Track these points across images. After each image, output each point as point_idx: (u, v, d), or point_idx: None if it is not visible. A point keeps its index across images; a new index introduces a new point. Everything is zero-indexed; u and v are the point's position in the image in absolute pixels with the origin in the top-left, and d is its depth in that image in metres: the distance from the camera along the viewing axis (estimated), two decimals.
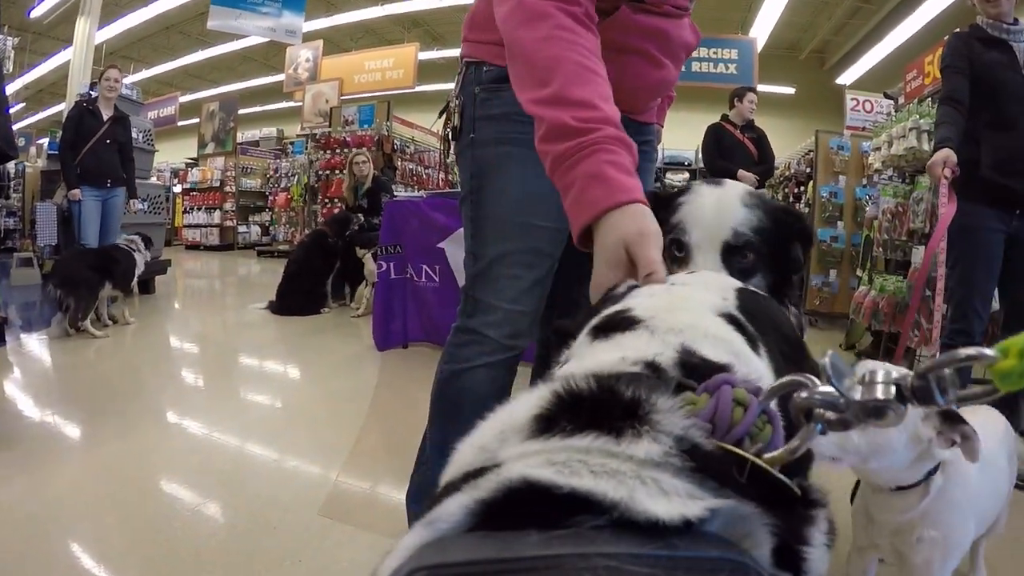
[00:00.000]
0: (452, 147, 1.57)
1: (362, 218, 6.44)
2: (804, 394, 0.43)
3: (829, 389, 0.42)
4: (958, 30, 2.83)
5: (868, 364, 0.50)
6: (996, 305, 2.93)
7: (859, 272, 5.44)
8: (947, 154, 2.48)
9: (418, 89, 12.86)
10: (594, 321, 0.67)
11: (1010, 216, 2.61)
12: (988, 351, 0.38)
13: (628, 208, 0.88)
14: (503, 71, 1.26)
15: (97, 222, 5.25)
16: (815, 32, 13.66)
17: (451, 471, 0.42)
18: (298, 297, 5.89)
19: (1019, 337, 0.38)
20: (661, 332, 0.59)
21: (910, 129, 4.27)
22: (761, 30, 11.97)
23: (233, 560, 1.80)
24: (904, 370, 0.43)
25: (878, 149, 4.92)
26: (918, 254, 4.17)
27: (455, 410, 1.55)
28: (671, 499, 0.33)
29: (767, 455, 0.41)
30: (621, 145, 0.94)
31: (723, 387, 0.43)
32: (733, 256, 1.03)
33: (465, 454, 0.43)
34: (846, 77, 13.58)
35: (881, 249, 4.81)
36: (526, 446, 0.40)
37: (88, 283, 4.54)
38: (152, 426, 2.90)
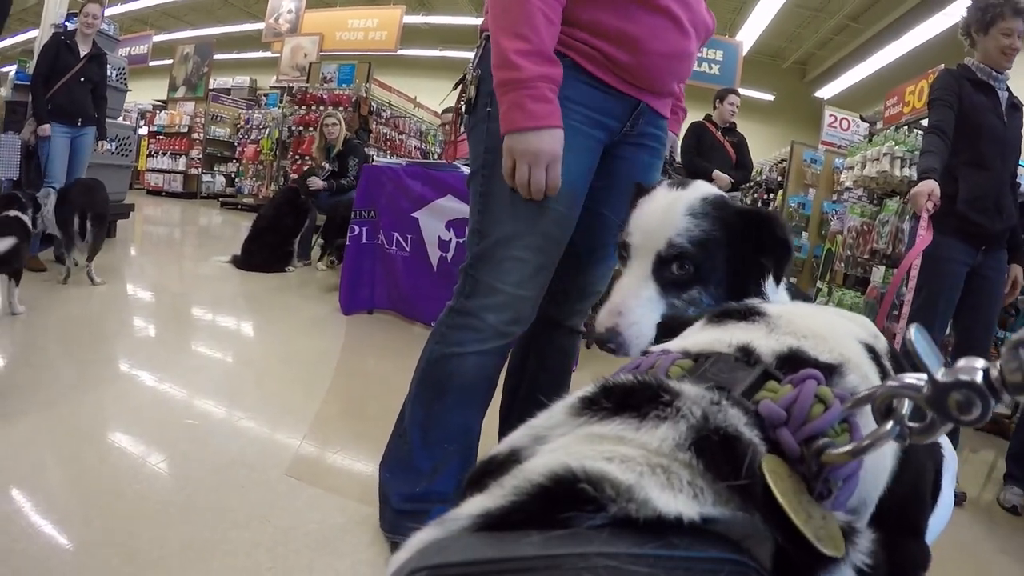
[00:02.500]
0: (464, 120, 1.55)
1: (327, 167, 6.39)
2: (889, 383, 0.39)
3: (915, 378, 0.38)
4: (947, 66, 2.92)
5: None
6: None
7: (819, 283, 5.59)
8: (932, 187, 2.54)
9: (400, 53, 12.67)
10: (715, 310, 0.63)
11: (976, 251, 2.72)
12: None
13: (530, 133, 1.28)
14: None
15: (65, 160, 5.03)
16: (800, 43, 13.86)
17: (500, 447, 0.43)
18: (264, 253, 5.79)
19: None
20: (781, 331, 0.54)
21: (884, 154, 4.39)
22: (748, 34, 12.09)
23: (199, 519, 1.76)
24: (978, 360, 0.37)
25: (851, 168, 5.04)
26: (878, 273, 4.30)
27: (439, 392, 1.57)
28: (675, 495, 0.34)
29: (829, 451, 0.39)
30: (547, 81, 1.29)
31: (808, 380, 0.42)
32: (664, 266, 1.01)
33: (519, 433, 0.43)
34: (825, 91, 13.85)
35: (842, 264, 4.95)
36: (560, 430, 0.41)
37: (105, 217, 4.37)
38: (111, 379, 2.81)
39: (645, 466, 0.35)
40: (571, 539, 0.31)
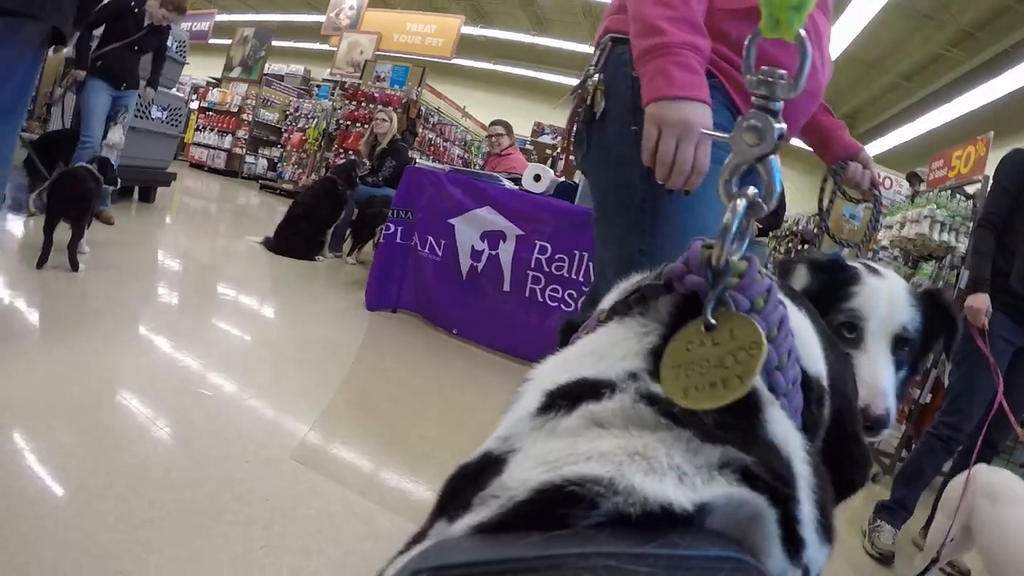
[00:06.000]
0: (578, 132, 1.44)
1: (367, 163, 6.47)
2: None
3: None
4: (1019, 148, 2.86)
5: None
6: None
7: None
8: (986, 301, 2.56)
9: (454, 61, 12.81)
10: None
11: None
12: None
13: (680, 102, 1.12)
14: None
15: (103, 118, 5.03)
16: (851, 97, 13.76)
17: (472, 457, 0.43)
18: (296, 240, 5.86)
19: None
20: None
21: (925, 216, 4.34)
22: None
23: (202, 486, 1.79)
24: None
25: (890, 227, 4.99)
26: None
27: None
28: (661, 479, 0.34)
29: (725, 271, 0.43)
30: (693, 49, 1.15)
31: (694, 242, 0.46)
32: (898, 348, 1.11)
33: (488, 442, 0.43)
34: (871, 148, 13.70)
35: None
36: (527, 435, 0.41)
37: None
38: (131, 339, 2.86)
39: (623, 455, 0.35)
40: (571, 539, 0.31)
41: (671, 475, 0.34)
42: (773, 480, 0.35)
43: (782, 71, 0.50)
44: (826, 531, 0.39)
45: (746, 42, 0.53)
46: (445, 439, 2.62)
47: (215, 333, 3.35)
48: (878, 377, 1.07)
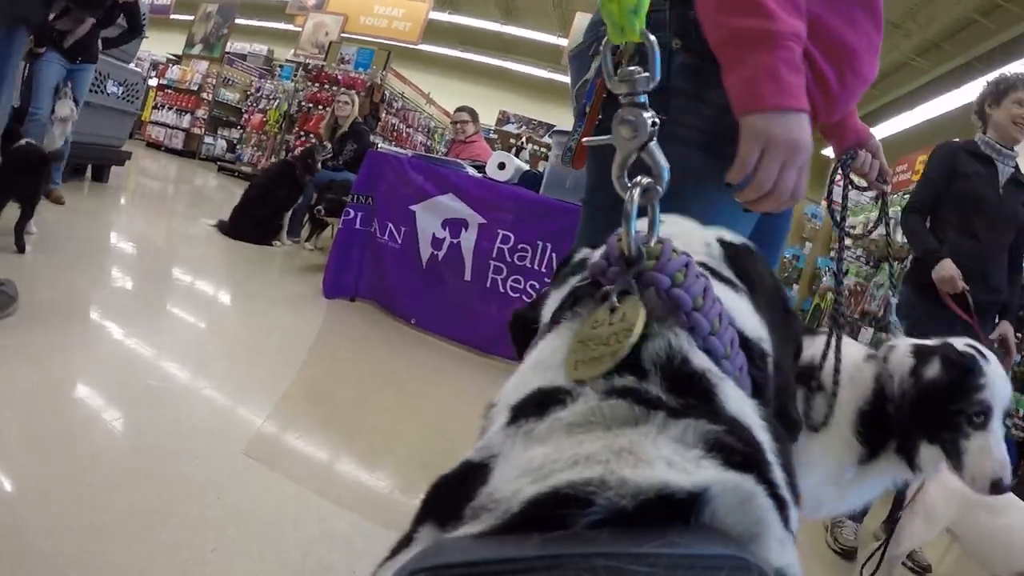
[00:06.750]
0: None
1: (328, 147, 6.32)
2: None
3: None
4: (950, 140, 2.97)
5: None
6: None
7: None
8: (952, 267, 2.59)
9: (420, 47, 12.65)
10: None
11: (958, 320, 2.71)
12: None
13: (789, 115, 0.92)
14: None
15: (52, 89, 4.85)
16: None
17: (455, 468, 0.42)
18: (252, 224, 5.68)
19: None
20: None
21: (889, 218, 4.38)
22: None
23: (149, 485, 1.69)
24: None
25: (853, 228, 5.04)
26: (866, 335, 4.28)
27: None
28: (651, 467, 0.34)
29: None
30: (799, 42, 0.93)
31: (611, 238, 0.51)
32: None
33: (469, 453, 0.43)
34: (832, 150, 13.95)
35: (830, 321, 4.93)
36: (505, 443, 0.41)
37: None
38: (78, 326, 2.72)
39: (609, 454, 0.35)
40: (572, 539, 0.31)
41: (661, 463, 0.34)
42: (745, 447, 0.37)
43: (640, 69, 0.55)
44: (793, 492, 0.41)
45: (602, 48, 0.59)
46: (401, 432, 2.55)
47: (167, 321, 3.21)
48: (1002, 452, 1.33)
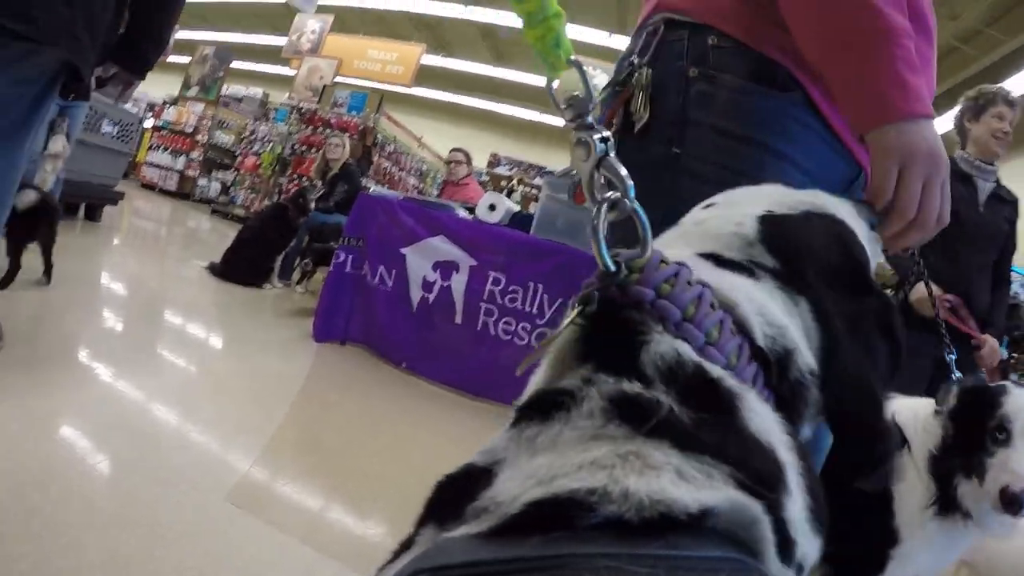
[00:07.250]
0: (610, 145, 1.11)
1: (320, 184, 6.40)
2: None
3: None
4: None
5: None
6: None
7: None
8: (924, 289, 2.58)
9: (413, 91, 12.80)
10: None
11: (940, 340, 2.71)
12: None
13: (921, 122, 0.81)
14: (749, 53, 0.93)
15: (42, 129, 4.80)
16: None
17: (456, 470, 0.43)
18: (244, 266, 5.67)
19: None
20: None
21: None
22: None
23: (129, 525, 1.66)
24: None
25: None
26: None
27: None
28: (658, 475, 0.34)
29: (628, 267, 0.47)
30: (912, 40, 0.82)
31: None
32: None
33: (473, 457, 0.44)
34: None
35: None
36: (510, 450, 0.41)
37: None
38: (66, 366, 2.70)
39: (615, 457, 0.35)
40: (572, 540, 0.31)
41: (669, 472, 0.34)
42: (756, 485, 0.36)
43: (577, 93, 0.55)
44: (817, 518, 0.39)
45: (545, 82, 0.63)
46: (390, 477, 2.51)
47: (155, 362, 3.18)
48: (1021, 465, 1.38)
